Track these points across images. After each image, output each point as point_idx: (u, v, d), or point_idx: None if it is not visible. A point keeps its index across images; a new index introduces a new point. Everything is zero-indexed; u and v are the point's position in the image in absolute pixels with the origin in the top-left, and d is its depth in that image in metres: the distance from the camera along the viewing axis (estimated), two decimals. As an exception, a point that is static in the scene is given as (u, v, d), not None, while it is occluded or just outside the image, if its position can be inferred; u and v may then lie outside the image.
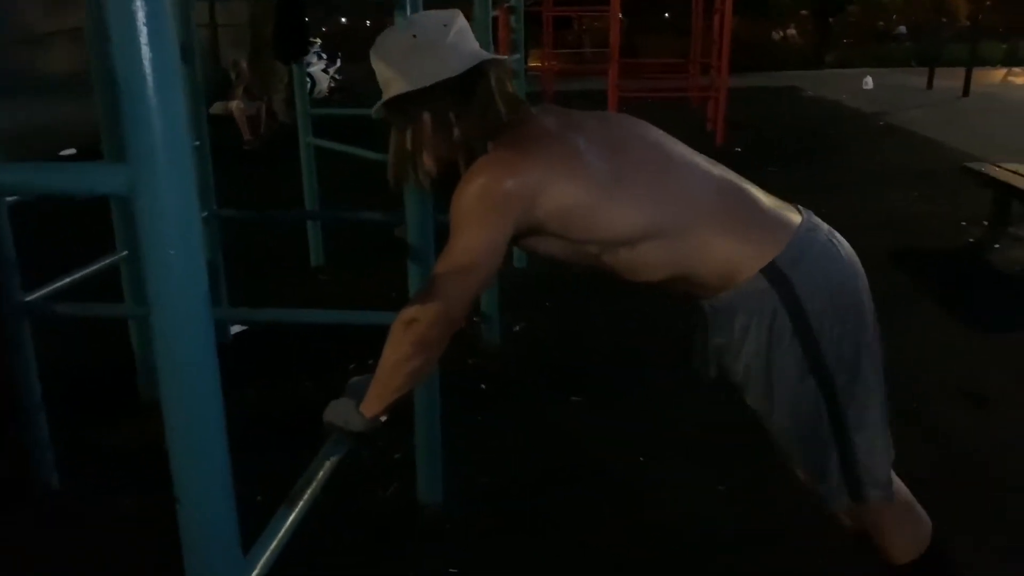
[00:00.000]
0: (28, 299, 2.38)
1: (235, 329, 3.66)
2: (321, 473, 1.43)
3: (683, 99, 11.49)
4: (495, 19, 4.62)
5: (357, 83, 13.80)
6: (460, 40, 1.45)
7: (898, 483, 1.60)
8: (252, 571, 1.15)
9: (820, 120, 10.58)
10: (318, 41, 13.34)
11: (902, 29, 22.42)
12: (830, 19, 21.60)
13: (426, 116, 1.44)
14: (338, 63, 13.95)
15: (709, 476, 2.50)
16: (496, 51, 4.18)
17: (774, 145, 8.63)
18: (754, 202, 1.48)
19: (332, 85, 13.42)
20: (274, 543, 1.24)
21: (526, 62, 4.57)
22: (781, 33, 22.58)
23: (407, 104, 1.45)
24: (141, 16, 0.81)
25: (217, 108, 8.86)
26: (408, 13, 2.02)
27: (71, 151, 7.75)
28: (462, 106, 1.44)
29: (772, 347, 1.43)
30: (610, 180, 1.40)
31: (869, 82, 14.06)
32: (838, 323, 1.43)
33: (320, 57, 13.07)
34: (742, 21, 14.91)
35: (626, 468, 2.60)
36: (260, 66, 9.82)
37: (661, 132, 1.54)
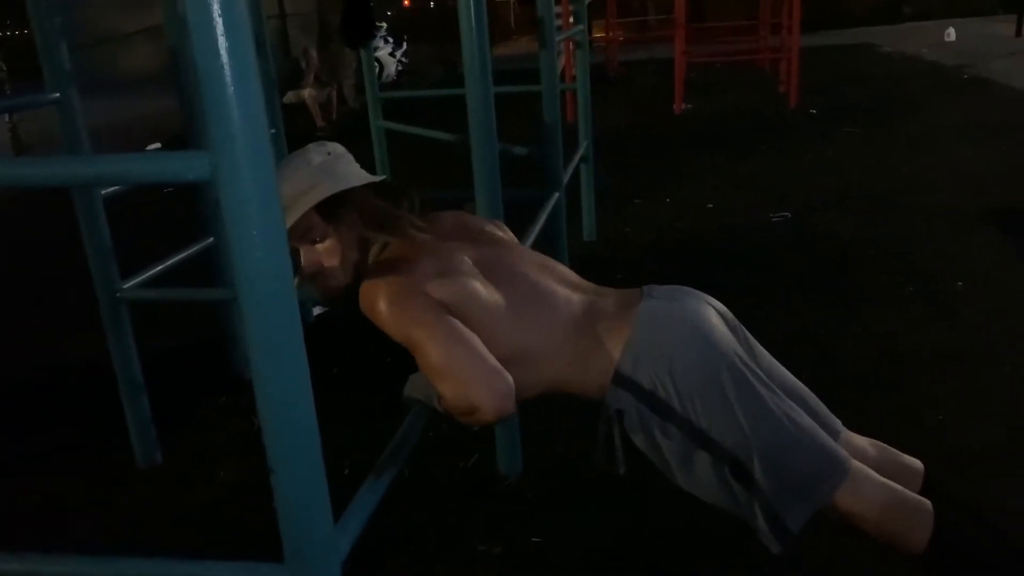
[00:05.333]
0: (125, 286, 2.50)
1: (317, 310, 3.77)
2: (404, 446, 1.48)
3: (753, 62, 11.17)
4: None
5: (423, 65, 13.90)
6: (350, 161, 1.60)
7: (877, 481, 1.57)
8: (343, 538, 1.19)
9: (899, 76, 10.14)
10: (384, 26, 13.46)
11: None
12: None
13: (355, 214, 1.54)
14: (404, 47, 14.04)
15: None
16: (561, 23, 4.15)
17: (851, 105, 8.31)
18: (595, 315, 1.55)
19: (399, 68, 13.53)
20: (363, 512, 1.29)
21: (590, 33, 4.52)
22: (856, -13, 21.61)
23: (334, 205, 1.52)
24: (216, 10, 0.85)
25: (290, 97, 9.06)
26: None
27: (156, 145, 8.05)
28: (381, 205, 1.56)
29: (653, 437, 1.51)
30: (477, 300, 1.47)
31: (951, 33, 13.37)
32: (696, 393, 1.47)
33: (387, 41, 13.18)
34: (814, -23, 14.32)
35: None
36: (329, 53, 10.01)
37: (527, 251, 1.66)
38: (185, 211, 3.15)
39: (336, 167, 1.56)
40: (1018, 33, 12.85)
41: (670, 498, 2.27)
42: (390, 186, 1.63)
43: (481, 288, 1.49)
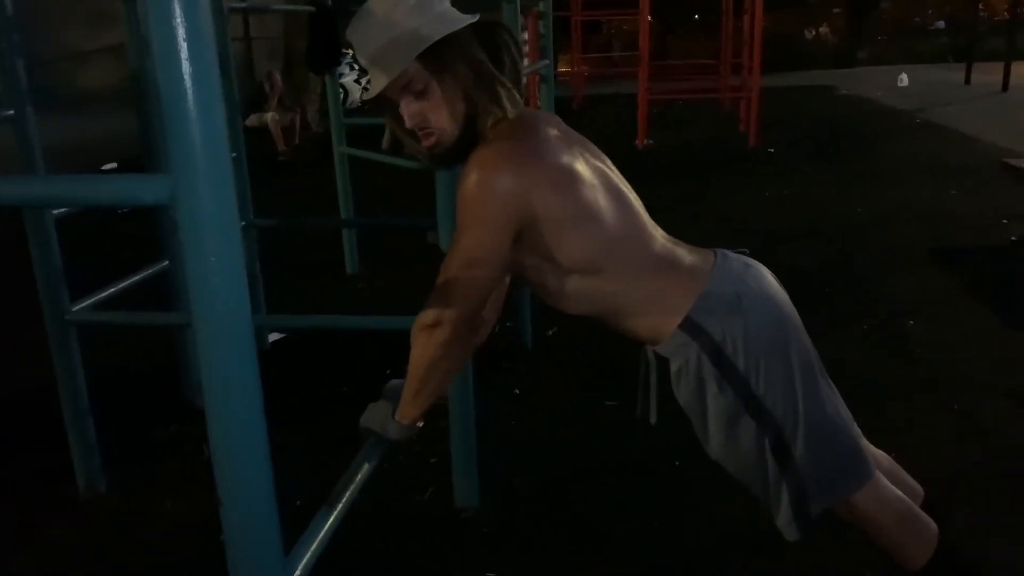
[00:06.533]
0: (75, 309, 2.44)
1: (273, 336, 3.72)
2: (359, 476, 1.45)
3: (714, 100, 11.41)
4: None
5: (389, 92, 13.91)
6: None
7: (894, 492, 1.62)
8: (293, 571, 1.17)
9: (855, 118, 10.43)
10: (350, 52, 13.47)
11: (940, 24, 22.02)
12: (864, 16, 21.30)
13: (461, 66, 1.39)
14: (370, 73, 14.05)
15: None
16: (527, 56, 4.23)
17: (808, 144, 8.53)
18: (674, 258, 1.50)
19: (364, 95, 13.54)
20: (314, 544, 1.26)
21: (555, 67, 4.58)
22: (813, 31, 22.33)
23: (439, 53, 1.37)
24: (182, 33, 0.83)
25: (252, 120, 8.98)
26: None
27: (112, 165, 7.92)
28: (487, 53, 1.41)
29: (704, 392, 1.47)
30: (584, 207, 1.40)
31: (904, 79, 13.84)
32: (763, 358, 1.45)
33: (352, 68, 13.14)
34: (773, 20, 14.76)
35: (662, 472, 2.59)
36: (293, 78, 9.98)
37: (618, 173, 1.57)
38: (139, 231, 3.09)
39: (433, 4, 1.39)
40: (967, 80, 13.34)
41: (630, 535, 2.28)
42: (488, 28, 1.43)
43: (589, 204, 1.39)
